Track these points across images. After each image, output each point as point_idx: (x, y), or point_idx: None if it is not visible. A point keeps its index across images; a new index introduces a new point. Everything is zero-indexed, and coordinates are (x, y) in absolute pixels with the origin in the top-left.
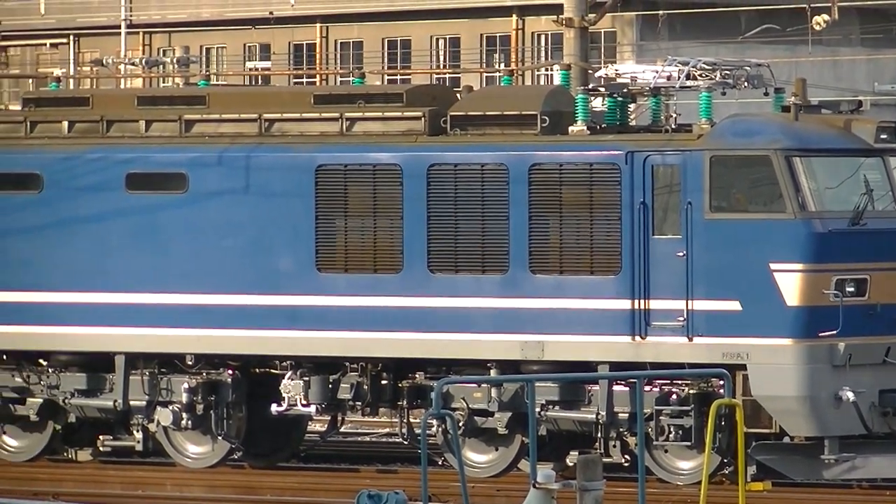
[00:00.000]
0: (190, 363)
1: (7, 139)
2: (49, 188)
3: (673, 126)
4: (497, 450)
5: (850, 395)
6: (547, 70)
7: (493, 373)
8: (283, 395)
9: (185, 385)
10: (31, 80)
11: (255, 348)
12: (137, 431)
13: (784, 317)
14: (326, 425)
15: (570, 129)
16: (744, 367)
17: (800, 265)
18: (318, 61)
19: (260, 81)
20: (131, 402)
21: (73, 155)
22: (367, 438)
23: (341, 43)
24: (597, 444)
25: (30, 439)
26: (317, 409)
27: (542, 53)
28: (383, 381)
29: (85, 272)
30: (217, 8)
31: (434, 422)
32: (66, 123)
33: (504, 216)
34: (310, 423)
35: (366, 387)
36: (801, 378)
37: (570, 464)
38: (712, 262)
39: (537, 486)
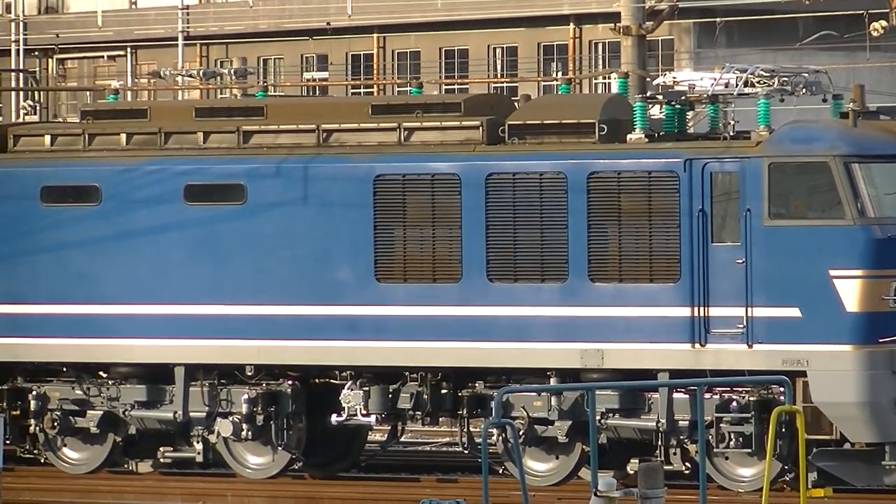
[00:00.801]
0: (250, 374)
1: (66, 152)
2: (108, 200)
3: (731, 133)
4: (557, 458)
5: None
6: (605, 78)
7: (552, 381)
8: (343, 405)
9: (245, 396)
10: (88, 93)
11: (315, 359)
12: (198, 443)
13: (844, 323)
14: (386, 435)
15: (629, 137)
16: (804, 373)
17: (859, 271)
18: (375, 71)
19: (317, 92)
20: (191, 414)
21: (131, 167)
22: (428, 448)
23: (398, 53)
24: (657, 451)
25: (90, 452)
26: (377, 418)
27: (600, 62)
28: (443, 391)
29: (144, 284)
30: (274, 19)
31: (494, 431)
32: (124, 136)
33: (563, 225)
34: (370, 432)
35: (426, 396)
36: (862, 384)
37: (631, 472)
38: (771, 269)
39: (598, 494)
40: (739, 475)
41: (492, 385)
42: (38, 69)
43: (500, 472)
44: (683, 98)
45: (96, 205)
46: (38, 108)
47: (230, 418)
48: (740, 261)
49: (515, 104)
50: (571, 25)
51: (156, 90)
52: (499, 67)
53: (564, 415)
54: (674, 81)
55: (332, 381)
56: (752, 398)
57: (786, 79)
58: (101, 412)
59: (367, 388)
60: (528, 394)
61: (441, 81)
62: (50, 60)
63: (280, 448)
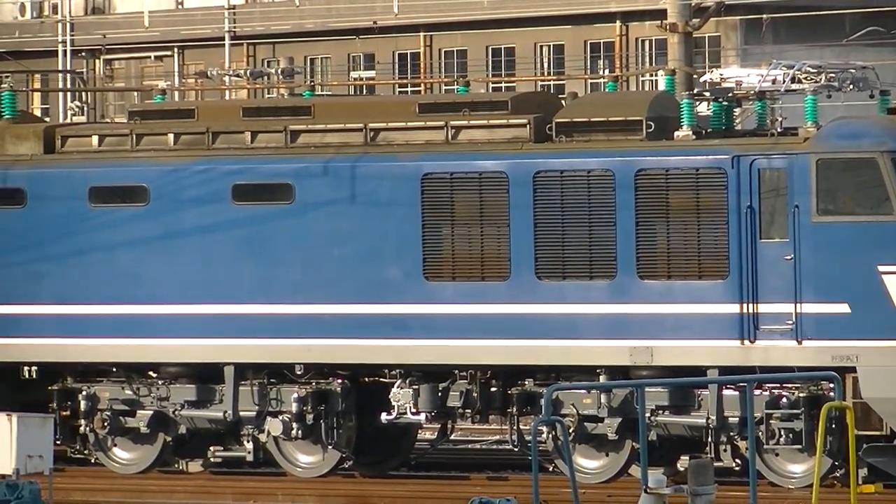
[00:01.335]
0: (299, 373)
1: (114, 152)
2: (156, 201)
3: (779, 130)
4: (607, 455)
5: None
6: (652, 75)
7: (602, 379)
8: (393, 403)
9: (295, 395)
10: (136, 93)
11: (365, 357)
12: (248, 442)
13: (893, 318)
14: (436, 433)
15: (676, 134)
16: (853, 369)
17: None
18: (422, 70)
19: (364, 91)
20: (241, 413)
21: (179, 167)
22: (478, 446)
23: (445, 51)
24: (707, 448)
25: (140, 451)
26: (426, 417)
27: (647, 59)
28: (493, 389)
29: (193, 284)
30: (321, 18)
31: (544, 428)
32: (171, 136)
33: (611, 222)
34: (420, 431)
35: (475, 394)
36: None
37: (681, 468)
38: (820, 266)
39: (649, 491)
40: (789, 471)
41: (541, 382)
42: (85, 70)
43: (550, 469)
44: (731, 95)
45: (144, 205)
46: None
47: (280, 417)
48: (789, 257)
49: (562, 102)
50: (618, 23)
51: (203, 90)
52: (546, 65)
53: (614, 412)
54: (721, 78)
55: (381, 379)
56: (801, 394)
57: (833, 75)
58: (152, 412)
59: (416, 387)
60: (578, 391)
61: (488, 80)
62: (97, 61)
63: (330, 447)
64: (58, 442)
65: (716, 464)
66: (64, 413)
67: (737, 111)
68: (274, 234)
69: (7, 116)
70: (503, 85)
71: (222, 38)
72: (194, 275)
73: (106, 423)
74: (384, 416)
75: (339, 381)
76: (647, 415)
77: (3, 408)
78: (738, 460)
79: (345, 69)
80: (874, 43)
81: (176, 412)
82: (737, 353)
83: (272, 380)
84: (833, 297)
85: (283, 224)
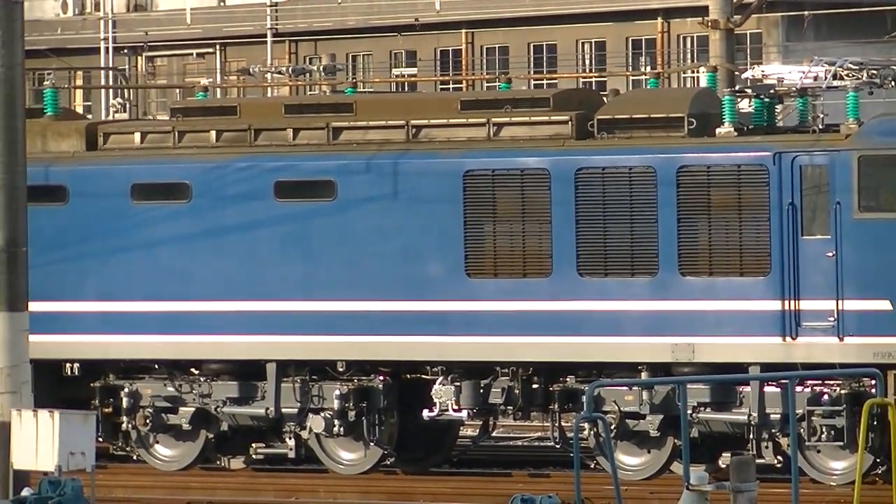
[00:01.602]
0: (341, 370)
1: (156, 149)
2: (198, 197)
3: (820, 126)
4: (649, 452)
5: None
6: (693, 72)
7: (643, 375)
8: (435, 400)
9: (337, 392)
10: (178, 90)
11: (406, 354)
12: (290, 438)
13: None
14: (478, 430)
15: (718, 130)
16: (895, 366)
17: None
18: (464, 67)
19: (406, 88)
20: (283, 410)
21: (221, 164)
22: (519, 443)
23: (487, 48)
24: (749, 445)
25: (183, 448)
26: (468, 413)
27: (688, 56)
28: (534, 385)
29: (235, 281)
30: (363, 15)
31: (586, 425)
32: (213, 133)
33: (652, 219)
34: (461, 427)
35: (517, 391)
36: None
37: (723, 465)
38: (862, 262)
39: (690, 488)
40: (831, 468)
41: (583, 379)
42: (127, 67)
43: (592, 466)
44: (772, 91)
45: (186, 202)
46: (127, 105)
47: (322, 414)
48: (830, 254)
49: (604, 99)
50: (660, 20)
51: (245, 87)
52: (587, 62)
53: (656, 409)
54: (762, 75)
55: (423, 376)
56: (843, 391)
57: (874, 71)
58: (193, 409)
59: (458, 384)
60: (620, 388)
61: (530, 77)
62: (139, 58)
63: (372, 443)
64: (100, 439)
65: (757, 461)
66: (106, 410)
67: (778, 108)
68: (316, 231)
69: (49, 113)
70: (545, 82)
71: (264, 35)
72: (236, 271)
73: (148, 420)
74: (426, 413)
75: (381, 377)
76: (689, 411)
77: (46, 405)
78: (779, 457)
79: (387, 66)
80: None
81: (218, 409)
82: (778, 349)
83: (314, 376)
84: (875, 294)
85: (325, 221)
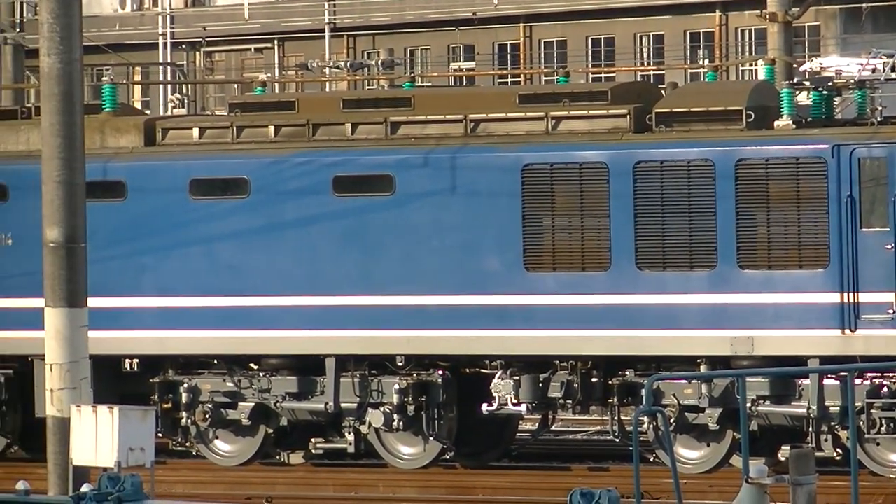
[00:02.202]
0: (400, 364)
1: (214, 144)
2: (256, 193)
3: (879, 119)
4: (708, 446)
5: None
6: (751, 65)
7: (702, 369)
8: (494, 394)
9: (396, 386)
10: (236, 86)
11: (465, 348)
12: (349, 433)
13: None
14: (537, 424)
15: (776, 123)
16: None
17: None
18: (521, 61)
19: (464, 82)
20: (342, 405)
21: (279, 159)
22: (578, 436)
23: (545, 42)
24: (808, 438)
25: (242, 444)
26: (527, 407)
27: (746, 49)
28: (593, 379)
29: (294, 276)
30: (420, 10)
31: (645, 419)
32: (272, 128)
33: (711, 212)
34: (520, 421)
35: (576, 385)
36: None
37: (782, 458)
38: None
39: (750, 481)
40: (891, 461)
41: (642, 373)
42: (185, 62)
43: (651, 459)
44: (830, 84)
45: (245, 197)
46: (186, 101)
47: (381, 409)
48: (889, 246)
49: (662, 92)
50: (718, 13)
51: (303, 82)
52: (645, 55)
53: (715, 402)
54: (820, 67)
55: (482, 370)
56: None
57: None
58: (253, 404)
59: (517, 378)
60: (679, 381)
61: (588, 70)
62: (197, 53)
63: (431, 438)
64: (159, 434)
65: (817, 454)
66: (165, 405)
67: (836, 100)
68: (374, 226)
69: (108, 109)
70: (603, 75)
71: (322, 30)
72: (295, 267)
73: (207, 416)
74: (485, 407)
75: (440, 372)
76: (748, 405)
77: (105, 400)
78: (838, 450)
79: (444, 60)
80: None
81: (277, 404)
82: (837, 342)
83: (373, 371)
84: None
85: (383, 215)
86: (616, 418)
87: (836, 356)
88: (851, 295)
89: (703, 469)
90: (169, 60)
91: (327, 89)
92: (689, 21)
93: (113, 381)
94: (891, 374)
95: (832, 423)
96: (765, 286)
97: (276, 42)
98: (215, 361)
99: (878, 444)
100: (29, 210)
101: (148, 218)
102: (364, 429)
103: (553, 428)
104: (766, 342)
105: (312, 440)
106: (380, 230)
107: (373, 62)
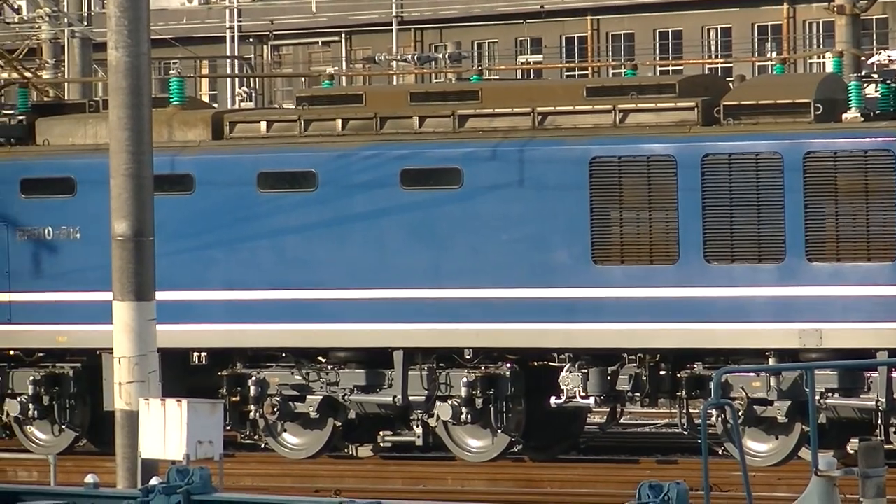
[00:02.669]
0: (468, 357)
1: (282, 138)
2: (324, 186)
3: None
4: (777, 438)
5: None
6: (819, 58)
7: (771, 361)
8: (562, 387)
9: (464, 379)
10: (304, 79)
11: (533, 342)
12: (417, 426)
13: None
14: (605, 417)
15: (844, 116)
16: None
17: None
18: (589, 54)
19: (532, 75)
20: (410, 398)
21: (347, 152)
22: (647, 429)
23: (612, 35)
24: (877, 430)
25: (310, 437)
26: (596, 400)
27: (814, 41)
28: (661, 372)
29: (361, 269)
30: (488, 3)
31: (713, 411)
32: (339, 121)
33: (779, 204)
34: (589, 414)
35: (644, 378)
36: None
37: (851, 451)
38: None
39: (819, 473)
40: None
41: (710, 366)
42: (253, 56)
43: (720, 452)
44: None
45: (313, 190)
46: (253, 94)
47: (449, 402)
48: None
49: (730, 85)
50: (785, 5)
51: (371, 75)
52: (713, 48)
53: (783, 395)
54: (888, 60)
55: (550, 363)
56: None
57: None
58: (321, 397)
59: (585, 371)
60: (747, 374)
61: (655, 63)
62: (265, 47)
63: (499, 431)
64: (227, 427)
65: (886, 446)
66: (234, 399)
67: None
68: (442, 219)
69: (175, 103)
70: (671, 68)
71: (390, 24)
72: (363, 260)
73: (276, 409)
74: (553, 400)
75: (508, 365)
76: (817, 397)
77: (174, 394)
78: None
79: (512, 53)
80: None
81: (345, 397)
82: None
83: (441, 364)
84: None
85: (451, 208)
86: (684, 411)
87: None
88: None
89: (771, 462)
90: (236, 54)
91: (394, 82)
92: (757, 14)
93: (181, 375)
94: None
95: None
96: (833, 279)
97: (343, 35)
98: (283, 354)
99: None
100: (97, 204)
101: (215, 211)
102: (432, 422)
103: (621, 421)
104: (834, 335)
105: (380, 433)
106: (447, 223)
107: (440, 55)
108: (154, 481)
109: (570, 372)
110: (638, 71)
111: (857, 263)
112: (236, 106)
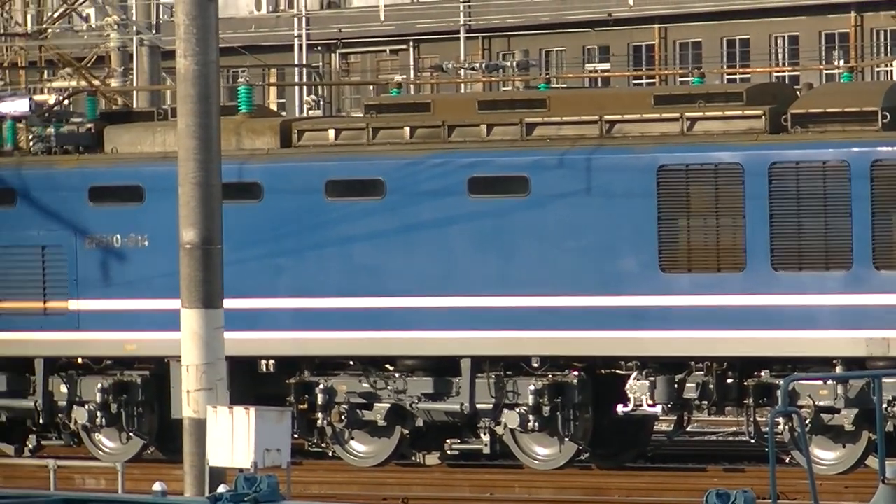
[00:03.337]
0: (535, 365)
1: (350, 146)
2: (391, 194)
3: None
4: (844, 447)
5: None
6: (887, 66)
7: (838, 369)
8: (629, 395)
9: (532, 387)
10: (371, 87)
11: (601, 349)
12: (484, 434)
13: None
14: (673, 425)
15: None
16: None
17: None
18: (656, 62)
19: (599, 83)
20: (478, 405)
21: (415, 160)
22: (714, 437)
23: (680, 43)
24: None
25: (378, 444)
26: (663, 408)
27: (882, 49)
28: (729, 380)
29: (429, 277)
30: (556, 11)
31: (781, 419)
32: (407, 129)
33: (846, 213)
34: (656, 422)
35: (711, 386)
36: None
37: None
38: None
39: (886, 482)
40: None
41: (777, 374)
42: (321, 64)
43: (787, 461)
44: None
45: (380, 198)
46: (321, 102)
47: (517, 409)
48: None
49: (797, 93)
50: (853, 13)
51: (438, 83)
52: (780, 56)
53: (851, 403)
54: None
55: (617, 371)
56: None
57: None
58: (389, 405)
59: (652, 378)
60: (814, 382)
61: (723, 71)
62: (333, 55)
63: (567, 439)
64: (295, 435)
65: None
66: (301, 406)
67: None
68: (510, 227)
69: (244, 111)
70: (738, 76)
71: (458, 32)
72: (430, 268)
73: (343, 417)
74: (620, 408)
75: (576, 372)
76: (884, 405)
77: (241, 402)
78: None
79: (580, 61)
80: None
81: (413, 405)
82: None
83: (508, 372)
84: None
85: (518, 217)
86: (752, 419)
87: None
88: None
89: (838, 470)
90: (304, 62)
91: (462, 90)
92: (825, 22)
93: (249, 383)
94: None
95: None
96: None
97: (411, 43)
98: (351, 362)
99: None
100: (165, 212)
101: (283, 219)
102: (499, 430)
103: (688, 429)
104: None
105: (448, 441)
106: (515, 231)
107: (508, 63)
108: (221, 489)
109: (638, 380)
110: (705, 79)
111: None
112: (304, 114)
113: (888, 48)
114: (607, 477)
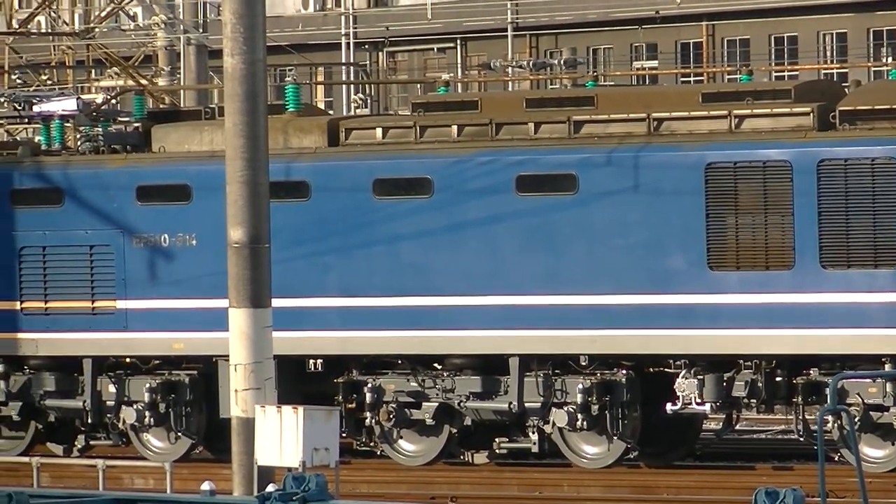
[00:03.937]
0: (584, 364)
1: (397, 144)
2: (439, 192)
3: None
4: (893, 444)
5: None
6: None
7: (887, 367)
8: (678, 393)
9: (580, 386)
10: (419, 85)
11: (649, 348)
12: (533, 433)
13: None
14: (721, 423)
15: None
16: None
17: None
18: (704, 59)
19: (647, 81)
20: (526, 404)
21: (462, 158)
22: (763, 436)
23: (728, 40)
24: None
25: (426, 443)
26: (711, 407)
27: None
28: (777, 378)
29: (477, 275)
30: (603, 9)
31: (830, 418)
32: (455, 127)
33: (894, 210)
34: (705, 421)
35: (760, 384)
36: None
37: None
38: None
39: None
40: None
41: (826, 372)
42: (368, 62)
43: (836, 459)
44: None
45: (428, 197)
46: (369, 101)
47: (565, 408)
48: None
49: (846, 90)
50: None
51: (486, 81)
52: (828, 53)
53: None
54: None
55: (666, 369)
56: None
57: None
58: (437, 404)
59: (701, 377)
60: (864, 380)
61: (771, 68)
62: (380, 53)
63: (615, 437)
64: (343, 434)
65: None
66: (349, 405)
67: None
68: (558, 225)
69: (291, 109)
70: (786, 73)
71: (505, 30)
72: (478, 266)
73: (391, 416)
74: (669, 407)
75: (624, 371)
76: None
77: (289, 401)
78: None
79: (627, 59)
80: None
81: (461, 404)
82: None
83: (557, 371)
84: None
85: (566, 215)
86: (800, 417)
87: None
88: None
89: (888, 468)
90: (352, 60)
91: (510, 89)
92: (873, 19)
93: (297, 382)
94: None
95: None
96: None
97: (458, 42)
98: (399, 361)
99: None
100: (212, 210)
101: (331, 218)
102: (548, 428)
103: (737, 427)
104: None
105: (496, 440)
106: (563, 229)
107: (555, 61)
108: (270, 488)
109: (686, 378)
110: (753, 76)
111: None
112: (352, 113)
113: None
114: (656, 475)
